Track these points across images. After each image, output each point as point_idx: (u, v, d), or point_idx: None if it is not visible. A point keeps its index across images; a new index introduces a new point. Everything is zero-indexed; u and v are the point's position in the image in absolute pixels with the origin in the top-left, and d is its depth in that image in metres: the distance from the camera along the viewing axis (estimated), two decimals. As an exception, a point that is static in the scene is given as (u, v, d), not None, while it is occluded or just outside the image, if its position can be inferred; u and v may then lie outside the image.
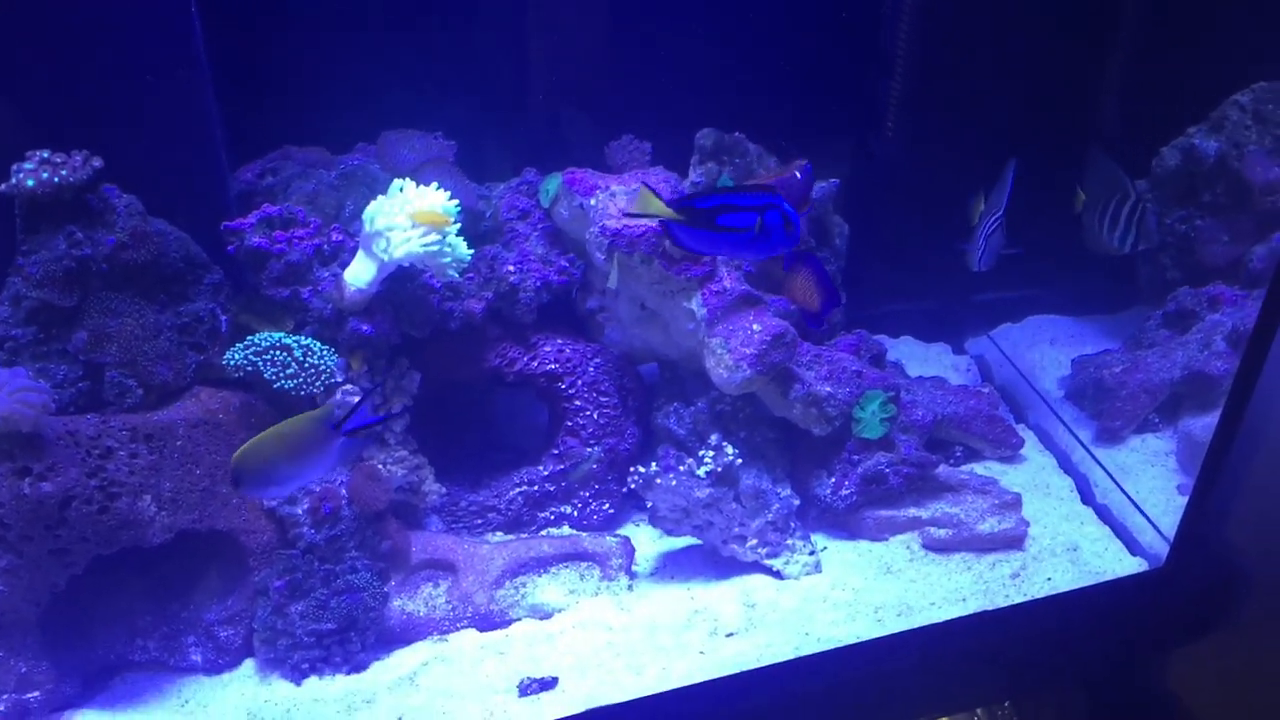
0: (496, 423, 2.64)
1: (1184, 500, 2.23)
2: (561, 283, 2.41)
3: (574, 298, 2.49)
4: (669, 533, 2.32)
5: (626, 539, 2.33)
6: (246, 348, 2.07)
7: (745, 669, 2.01)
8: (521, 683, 1.99)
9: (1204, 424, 2.47)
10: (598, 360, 2.45)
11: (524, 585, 2.22)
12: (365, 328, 2.15)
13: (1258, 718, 2.28)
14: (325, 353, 2.12)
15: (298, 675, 2.03)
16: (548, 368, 2.41)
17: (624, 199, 2.28)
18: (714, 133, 2.56)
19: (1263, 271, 2.63)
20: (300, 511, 2.10)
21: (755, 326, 2.20)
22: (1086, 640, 2.29)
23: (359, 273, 2.11)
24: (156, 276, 2.07)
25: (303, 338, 2.12)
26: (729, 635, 2.11)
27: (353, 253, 2.17)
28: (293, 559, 2.06)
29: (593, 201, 2.30)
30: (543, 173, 2.51)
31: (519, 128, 2.77)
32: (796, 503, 2.37)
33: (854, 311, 2.83)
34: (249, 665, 2.08)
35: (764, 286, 2.46)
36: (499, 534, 2.41)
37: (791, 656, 2.04)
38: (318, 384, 2.09)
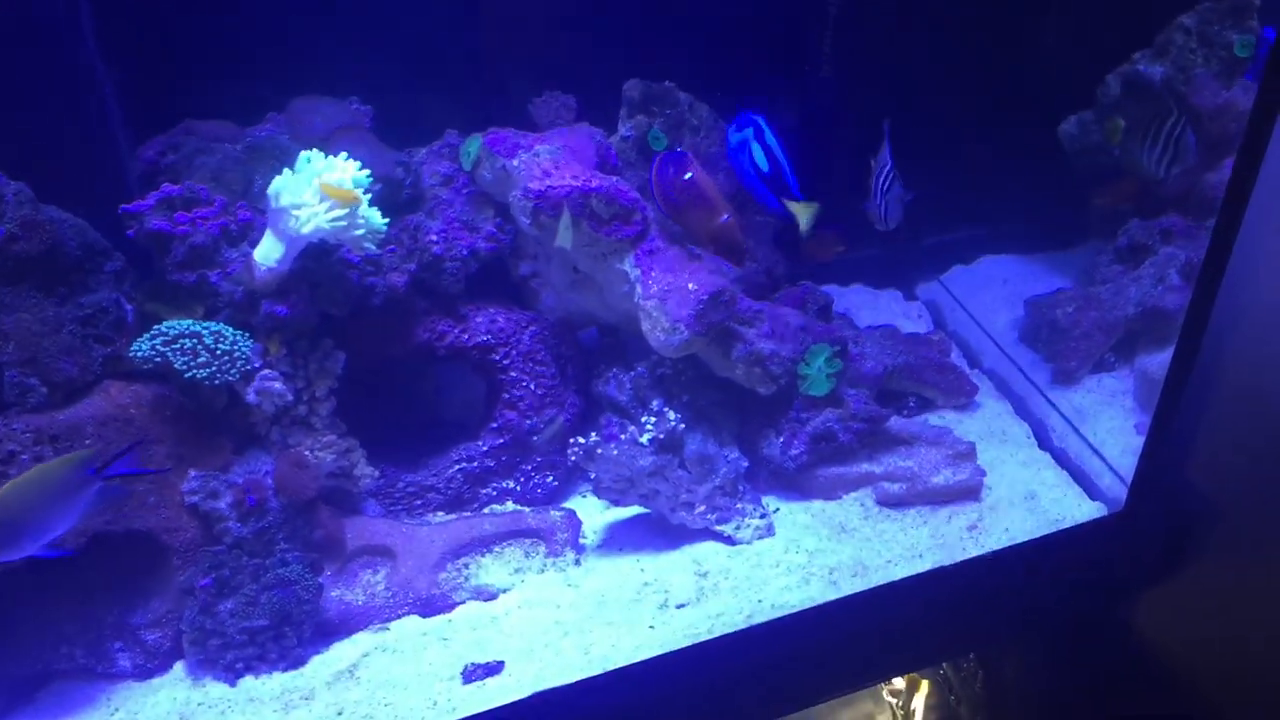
0: (431, 400, 2.54)
1: (1142, 440, 2.17)
2: (490, 249, 2.31)
3: (506, 264, 2.39)
4: (615, 503, 2.24)
5: (572, 512, 2.26)
6: (154, 337, 1.95)
7: (697, 641, 1.95)
8: (466, 669, 1.92)
9: (1160, 361, 2.40)
10: (533, 329, 2.35)
11: (467, 566, 2.15)
12: (280, 309, 2.04)
13: (1218, 659, 2.25)
14: (239, 338, 2.01)
15: (231, 675, 1.95)
16: (480, 339, 2.31)
17: (548, 159, 2.18)
18: (641, 83, 2.45)
19: (1215, 200, 2.55)
20: (224, 505, 2.00)
21: (691, 285, 2.11)
22: (1048, 589, 2.25)
23: (268, 252, 2.00)
24: (53, 267, 1.95)
25: (213, 324, 2.01)
26: (680, 606, 2.05)
27: (263, 231, 2.05)
28: (218, 555, 1.97)
29: (515, 163, 2.19)
30: (465, 134, 2.39)
31: (442, 87, 2.64)
32: (745, 465, 2.29)
33: (800, 262, 2.74)
34: (180, 668, 2.00)
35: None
36: (440, 514, 2.32)
37: (743, 626, 1.98)
38: (233, 371, 1.98)
